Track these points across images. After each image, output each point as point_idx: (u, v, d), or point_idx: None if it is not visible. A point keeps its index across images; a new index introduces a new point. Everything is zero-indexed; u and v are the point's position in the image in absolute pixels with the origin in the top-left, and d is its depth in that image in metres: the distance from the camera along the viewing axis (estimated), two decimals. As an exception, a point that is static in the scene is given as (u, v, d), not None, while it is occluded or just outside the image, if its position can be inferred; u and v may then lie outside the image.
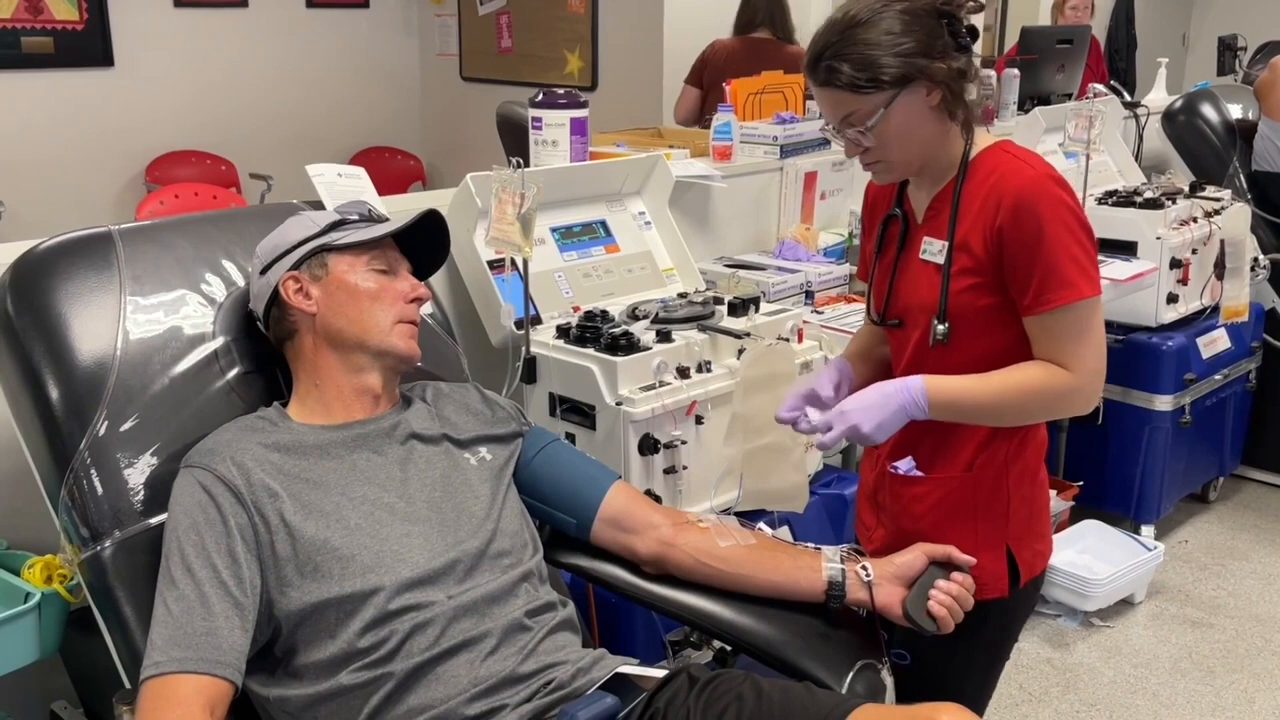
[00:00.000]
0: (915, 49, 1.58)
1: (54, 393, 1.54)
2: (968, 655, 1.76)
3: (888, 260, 1.80)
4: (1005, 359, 1.65)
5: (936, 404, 1.63)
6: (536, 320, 2.27)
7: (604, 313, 2.24)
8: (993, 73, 3.84)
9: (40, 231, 1.74)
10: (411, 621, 1.43)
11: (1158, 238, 3.39)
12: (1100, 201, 3.61)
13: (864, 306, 1.90)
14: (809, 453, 2.24)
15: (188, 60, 5.26)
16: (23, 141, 4.80)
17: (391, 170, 5.82)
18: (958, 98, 1.62)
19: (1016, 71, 3.95)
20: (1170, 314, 3.47)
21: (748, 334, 2.16)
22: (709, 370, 2.15)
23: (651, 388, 2.06)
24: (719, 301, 2.33)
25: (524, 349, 2.17)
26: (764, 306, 2.37)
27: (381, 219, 1.70)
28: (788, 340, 2.26)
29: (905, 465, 1.75)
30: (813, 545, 1.70)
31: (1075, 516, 3.41)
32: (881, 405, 1.63)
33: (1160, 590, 3.36)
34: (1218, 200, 3.67)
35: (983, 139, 1.70)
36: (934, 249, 1.69)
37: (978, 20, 1.73)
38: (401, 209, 1.80)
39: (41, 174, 4.82)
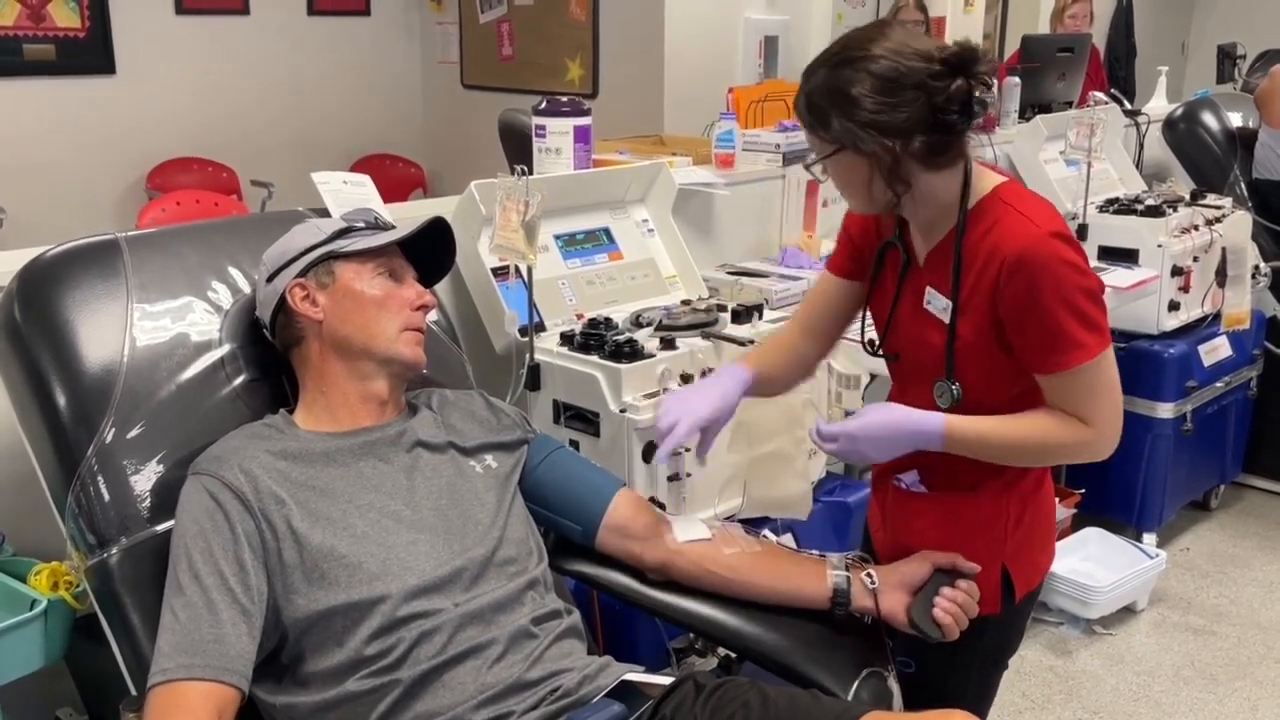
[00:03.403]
0: (867, 120, 1.47)
1: (61, 399, 1.54)
2: (965, 665, 1.76)
3: (885, 291, 1.73)
4: (1022, 404, 1.60)
5: (953, 446, 1.59)
6: (540, 327, 2.27)
7: (608, 320, 2.24)
8: (992, 82, 3.84)
9: (42, 238, 1.74)
10: (418, 629, 1.43)
11: (1159, 245, 3.40)
12: (1102, 209, 3.62)
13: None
14: (812, 460, 2.24)
15: (189, 67, 5.26)
16: (24, 149, 4.80)
17: (392, 177, 5.82)
18: (895, 177, 1.52)
19: (1017, 79, 3.95)
20: (1172, 321, 3.48)
21: (751, 341, 2.16)
22: (713, 377, 2.15)
23: (655, 395, 2.06)
24: (722, 309, 2.33)
25: (528, 356, 2.17)
26: (767, 314, 2.37)
27: (387, 226, 1.70)
28: (791, 347, 2.26)
29: (910, 479, 1.74)
30: (817, 552, 1.71)
31: (1077, 524, 3.41)
32: (892, 441, 1.60)
33: (1162, 598, 3.36)
34: (1219, 208, 3.68)
35: (984, 180, 1.60)
36: (939, 305, 1.62)
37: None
38: (405, 216, 1.81)
39: (43, 181, 4.82)
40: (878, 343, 1.76)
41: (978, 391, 1.60)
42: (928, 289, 1.63)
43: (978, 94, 1.51)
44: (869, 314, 1.78)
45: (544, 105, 2.60)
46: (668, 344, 2.15)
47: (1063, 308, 1.50)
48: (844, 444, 1.61)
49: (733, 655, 1.83)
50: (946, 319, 1.60)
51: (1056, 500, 3.12)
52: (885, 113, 1.47)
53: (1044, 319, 1.50)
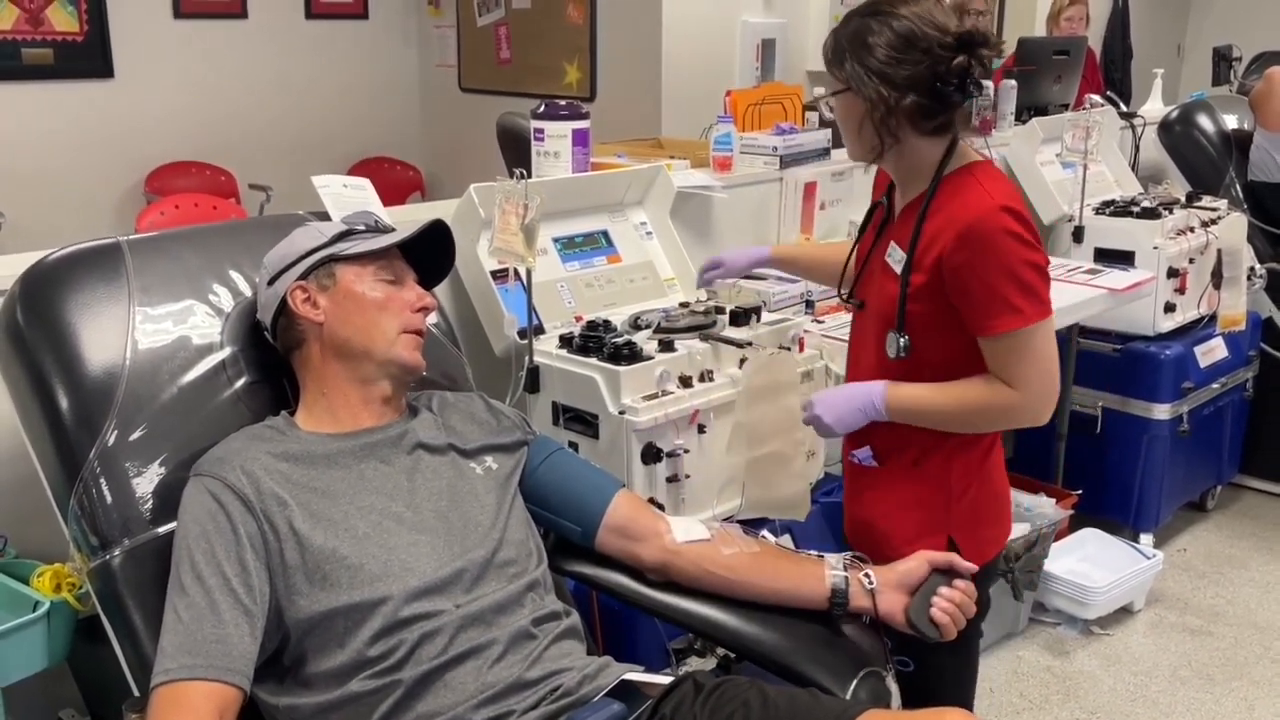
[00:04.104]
0: (875, 68, 1.66)
1: (64, 402, 1.55)
2: (937, 645, 1.78)
3: (867, 242, 1.89)
4: (969, 362, 1.72)
5: (894, 410, 1.77)
6: (539, 330, 2.28)
7: (606, 322, 2.25)
8: (989, 84, 3.85)
9: (41, 242, 1.75)
10: (420, 630, 1.44)
11: (1155, 247, 3.41)
12: (1098, 211, 3.63)
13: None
14: (810, 461, 2.25)
15: (187, 71, 5.27)
16: (23, 152, 4.81)
17: (391, 180, 5.83)
18: (885, 127, 1.69)
19: (1014, 82, 3.96)
20: (1168, 323, 3.49)
21: (749, 343, 2.17)
22: (711, 379, 2.16)
23: (654, 397, 2.07)
24: (720, 311, 2.34)
25: (527, 358, 2.18)
26: (765, 316, 2.38)
27: (388, 229, 1.71)
28: (789, 349, 2.27)
29: (863, 454, 1.87)
30: (815, 553, 1.72)
31: (1074, 524, 3.41)
32: (845, 404, 1.80)
33: (1159, 598, 3.37)
34: (1214, 210, 3.69)
35: (965, 156, 1.75)
36: (896, 257, 1.76)
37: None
38: (405, 219, 1.81)
39: (42, 185, 4.83)
40: (850, 290, 1.91)
41: (921, 344, 1.74)
42: (891, 243, 1.78)
43: (975, 74, 1.65)
44: (851, 264, 1.94)
45: (542, 109, 2.61)
46: (666, 346, 2.16)
47: (1003, 274, 1.64)
48: (805, 410, 1.86)
49: (731, 655, 1.84)
50: (900, 270, 1.73)
51: (1053, 501, 3.16)
52: (891, 66, 1.64)
53: (986, 282, 1.64)
